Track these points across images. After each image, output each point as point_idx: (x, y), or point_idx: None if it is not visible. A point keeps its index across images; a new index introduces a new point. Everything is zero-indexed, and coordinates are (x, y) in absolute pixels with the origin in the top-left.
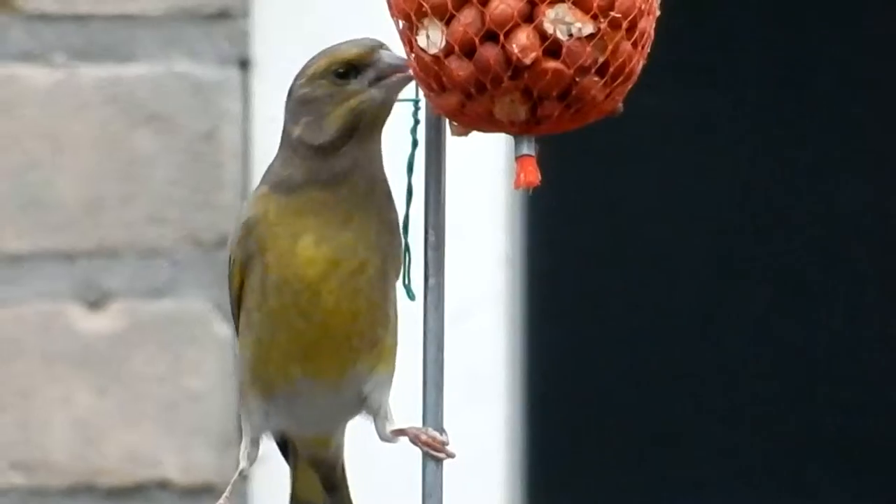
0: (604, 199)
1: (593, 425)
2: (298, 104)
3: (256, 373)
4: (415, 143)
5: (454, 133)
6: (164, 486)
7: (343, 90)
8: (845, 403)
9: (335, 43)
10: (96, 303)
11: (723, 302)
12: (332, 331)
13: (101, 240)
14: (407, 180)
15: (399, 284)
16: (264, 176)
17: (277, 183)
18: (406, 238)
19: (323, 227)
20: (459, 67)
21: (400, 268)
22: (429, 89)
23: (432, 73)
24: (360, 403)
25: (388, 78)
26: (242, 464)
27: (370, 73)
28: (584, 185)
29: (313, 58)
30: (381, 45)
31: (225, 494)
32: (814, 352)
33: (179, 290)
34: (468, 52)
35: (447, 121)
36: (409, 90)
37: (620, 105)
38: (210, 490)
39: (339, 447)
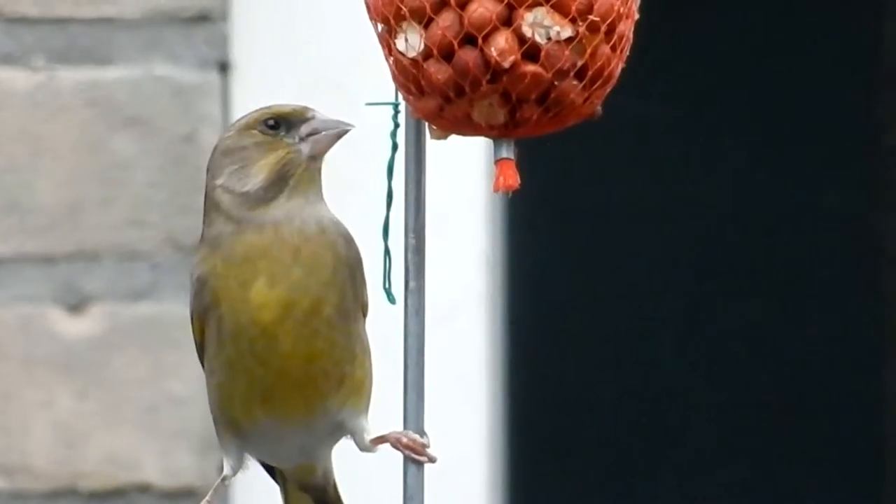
0: (584, 200)
1: (576, 428)
2: (222, 155)
3: (224, 414)
4: (394, 147)
5: (433, 136)
6: (144, 489)
7: (272, 140)
8: (834, 405)
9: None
10: (76, 306)
11: (707, 302)
12: (292, 374)
13: (80, 243)
14: (387, 184)
15: (379, 289)
16: (199, 244)
17: (212, 240)
18: (386, 241)
19: (272, 268)
20: (438, 71)
21: (366, 304)
22: (407, 93)
23: (411, 77)
24: (339, 431)
25: (318, 135)
26: (226, 471)
27: (303, 130)
28: (563, 187)
29: (244, 115)
30: (315, 110)
31: (206, 498)
32: (802, 355)
33: (160, 294)
34: (447, 55)
35: (426, 124)
36: (389, 94)
37: (599, 108)
38: (191, 494)
39: (328, 471)
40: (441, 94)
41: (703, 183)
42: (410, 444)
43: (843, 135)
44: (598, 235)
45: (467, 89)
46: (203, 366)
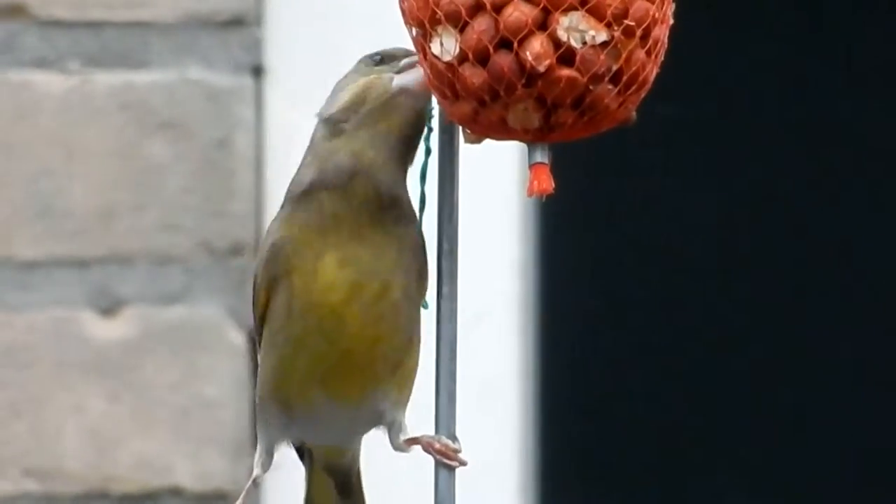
0: (617, 206)
1: (606, 433)
2: (333, 92)
3: (276, 390)
4: (428, 151)
5: (467, 141)
6: (176, 493)
7: (369, 69)
8: (859, 407)
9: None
10: (109, 310)
11: (739, 308)
12: (355, 356)
13: (114, 247)
14: (420, 188)
15: None
16: (286, 195)
17: (296, 197)
18: None
19: (342, 245)
20: (473, 75)
21: (426, 288)
22: (442, 97)
23: (446, 81)
24: (377, 419)
25: (414, 79)
26: (256, 471)
27: (403, 62)
28: (597, 192)
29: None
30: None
31: (238, 501)
32: (828, 355)
33: (192, 298)
34: (482, 59)
35: (460, 128)
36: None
37: (634, 113)
38: (223, 497)
39: (355, 456)
40: (476, 98)
41: (740, 189)
42: (442, 448)
43: (873, 138)
44: (632, 240)
45: (502, 93)
46: (258, 337)
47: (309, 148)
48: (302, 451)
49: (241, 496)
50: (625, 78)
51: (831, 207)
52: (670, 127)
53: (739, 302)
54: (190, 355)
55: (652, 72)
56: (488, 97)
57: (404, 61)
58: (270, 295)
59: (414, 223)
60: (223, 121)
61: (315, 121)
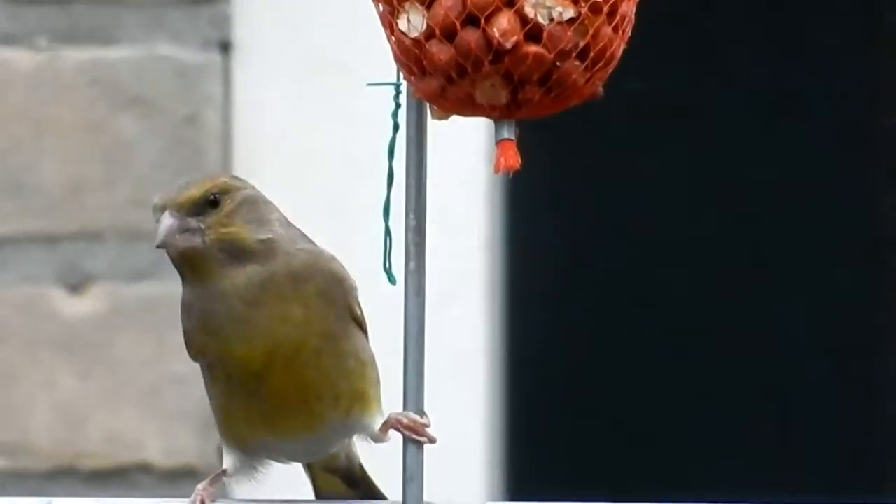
0: (585, 182)
1: (575, 409)
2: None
3: (228, 431)
4: (396, 127)
5: (434, 117)
6: (145, 469)
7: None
8: (838, 395)
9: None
10: (78, 286)
11: (707, 286)
12: (286, 403)
13: (83, 223)
14: (388, 164)
15: (380, 269)
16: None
17: (187, 303)
18: (387, 222)
19: (244, 329)
20: (440, 51)
21: (359, 317)
22: (409, 73)
23: (413, 57)
24: (344, 435)
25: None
26: (226, 465)
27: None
28: (564, 169)
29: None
30: (161, 206)
31: (205, 483)
32: (804, 342)
33: (162, 274)
34: (449, 36)
35: (428, 105)
36: (391, 74)
37: (601, 89)
38: (191, 473)
39: (350, 455)
40: (443, 75)
41: (709, 165)
42: (410, 424)
43: (847, 112)
44: (600, 217)
45: (469, 70)
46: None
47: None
48: None
49: (209, 479)
50: (592, 54)
51: (801, 180)
52: (638, 102)
53: (709, 278)
54: (160, 331)
55: (619, 48)
56: (455, 74)
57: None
58: (198, 359)
59: (306, 266)
60: (192, 97)
61: (282, 100)
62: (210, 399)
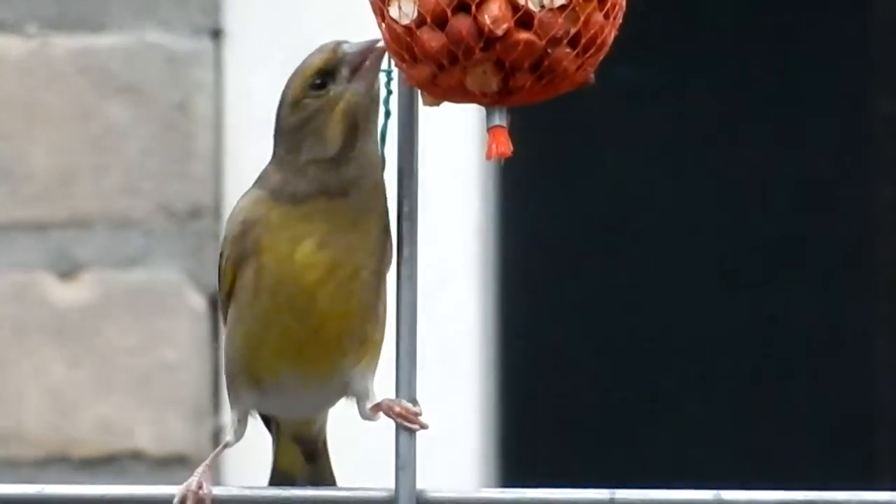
0: (577, 168)
1: (568, 396)
2: (293, 132)
3: (245, 365)
4: (387, 114)
5: (426, 103)
6: (136, 456)
7: (328, 98)
8: (827, 382)
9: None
10: (69, 273)
11: (700, 272)
12: (324, 332)
13: (73, 210)
14: (380, 151)
15: None
16: (258, 181)
17: (278, 192)
18: None
19: (328, 233)
20: (431, 38)
21: (390, 263)
22: (401, 60)
23: (404, 44)
24: (345, 390)
25: (361, 68)
26: (228, 438)
27: (344, 72)
28: (557, 155)
29: (287, 84)
30: (340, 42)
31: (206, 463)
32: (794, 327)
33: (152, 261)
34: (440, 23)
35: (419, 91)
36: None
37: (592, 76)
38: (183, 461)
39: (323, 425)
40: (434, 62)
41: (701, 151)
42: (403, 412)
43: (841, 97)
44: (591, 204)
45: (460, 57)
46: (224, 315)
47: (295, 173)
48: (269, 421)
49: (209, 458)
50: (583, 41)
51: (796, 168)
52: (632, 89)
53: (700, 262)
54: (150, 319)
55: (610, 34)
56: (446, 61)
57: (343, 71)
58: (238, 271)
59: (386, 198)
60: (182, 84)
61: (273, 87)
62: (236, 325)
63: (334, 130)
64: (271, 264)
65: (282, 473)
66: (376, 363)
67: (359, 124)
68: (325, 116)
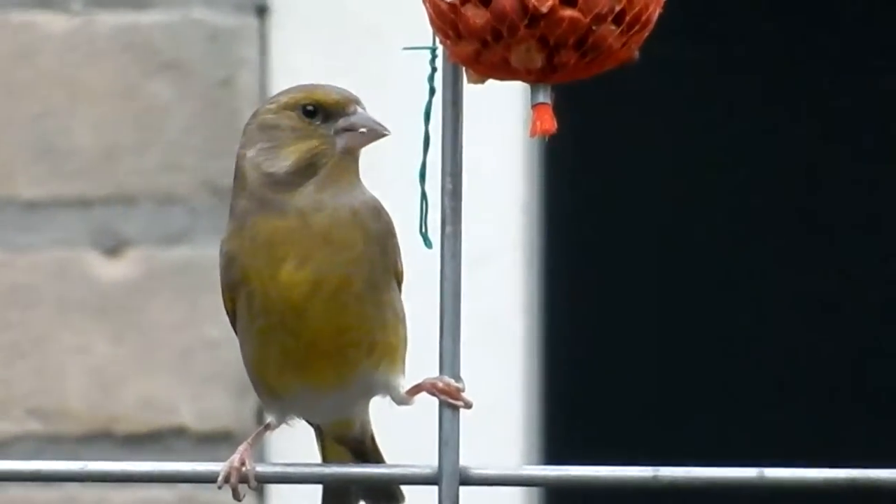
0: (621, 144)
1: (612, 371)
2: (259, 129)
3: (260, 381)
4: (432, 91)
5: (470, 81)
6: (180, 432)
7: (307, 128)
8: (872, 359)
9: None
10: (113, 250)
11: (744, 250)
12: (322, 346)
13: (117, 187)
14: (424, 128)
15: (416, 233)
16: (230, 210)
17: (243, 219)
18: (423, 186)
19: (304, 251)
20: (476, 15)
21: (399, 272)
22: (445, 37)
23: (448, 21)
24: (369, 392)
25: (353, 131)
26: (271, 420)
27: (340, 123)
28: (601, 132)
29: (289, 88)
30: (360, 102)
31: (248, 441)
32: (839, 305)
33: (196, 237)
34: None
35: (464, 69)
36: (427, 38)
37: (636, 53)
38: (226, 437)
39: (365, 424)
40: (479, 39)
41: (746, 128)
42: (446, 388)
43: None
44: (634, 179)
45: (505, 34)
46: (235, 333)
47: (242, 185)
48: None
49: (252, 437)
50: (628, 18)
51: (833, 149)
52: (676, 67)
53: (748, 237)
54: (193, 295)
55: (655, 11)
56: (491, 38)
57: (340, 122)
58: (234, 297)
59: (373, 210)
60: (226, 60)
61: (317, 64)
62: (243, 345)
63: (289, 156)
64: (259, 288)
65: None
66: (401, 361)
67: (317, 171)
68: (292, 140)
